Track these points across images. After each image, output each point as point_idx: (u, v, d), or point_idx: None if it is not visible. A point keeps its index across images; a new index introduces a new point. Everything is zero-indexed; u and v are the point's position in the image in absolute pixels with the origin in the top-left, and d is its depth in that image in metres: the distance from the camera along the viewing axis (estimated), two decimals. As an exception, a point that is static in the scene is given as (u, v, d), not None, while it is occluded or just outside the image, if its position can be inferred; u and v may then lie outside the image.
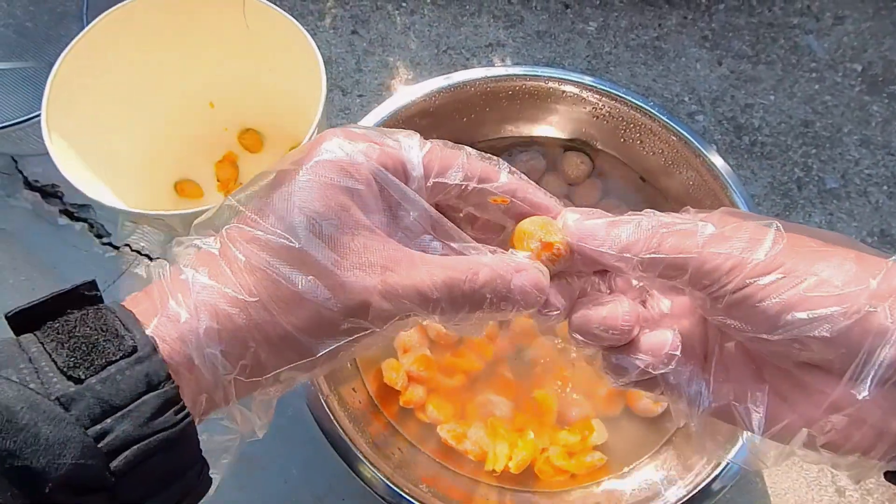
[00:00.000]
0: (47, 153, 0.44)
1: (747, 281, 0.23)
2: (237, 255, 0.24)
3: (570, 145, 0.57)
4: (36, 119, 0.50)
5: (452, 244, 0.26)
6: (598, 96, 0.51)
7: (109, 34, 0.48)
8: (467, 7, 0.72)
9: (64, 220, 0.62)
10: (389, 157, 0.25)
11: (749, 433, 0.25)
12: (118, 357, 0.21)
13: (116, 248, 0.61)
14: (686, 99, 0.69)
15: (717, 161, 0.49)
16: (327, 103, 0.68)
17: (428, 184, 0.26)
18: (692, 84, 0.69)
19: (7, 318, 0.22)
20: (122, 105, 0.52)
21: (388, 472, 0.42)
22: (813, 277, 0.23)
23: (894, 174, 0.66)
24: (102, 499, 0.21)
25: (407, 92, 0.50)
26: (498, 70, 0.51)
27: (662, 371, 0.25)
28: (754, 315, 0.23)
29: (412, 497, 0.42)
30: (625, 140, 0.54)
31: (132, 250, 0.60)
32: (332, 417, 0.43)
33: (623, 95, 0.50)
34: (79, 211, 0.62)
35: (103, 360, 0.21)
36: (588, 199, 0.55)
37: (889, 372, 0.22)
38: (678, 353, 0.25)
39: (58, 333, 0.22)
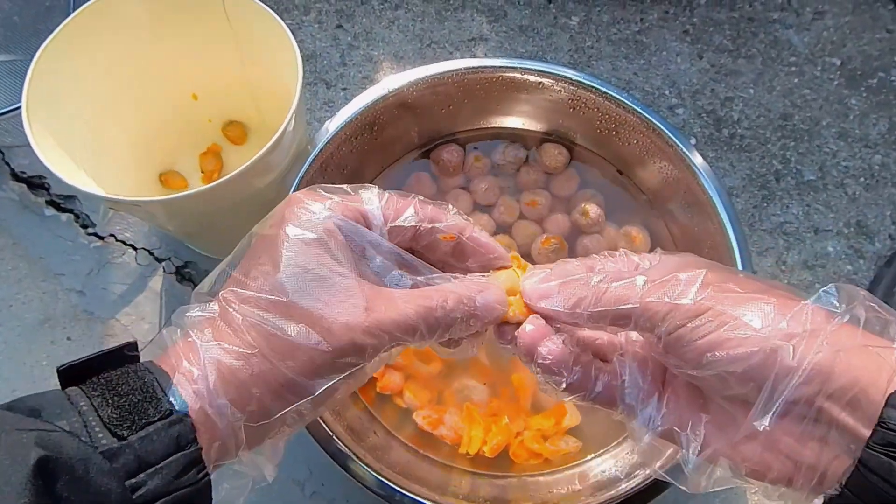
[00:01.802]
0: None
1: (678, 324, 0.26)
2: (235, 315, 0.27)
3: (548, 137, 0.57)
4: (19, 109, 0.51)
5: (419, 277, 0.30)
6: (573, 87, 0.51)
7: (91, 25, 0.49)
8: (451, 2, 0.73)
9: (50, 211, 0.63)
10: (351, 210, 0.29)
11: (688, 456, 0.28)
12: (156, 419, 0.25)
13: (102, 238, 0.61)
14: (667, 92, 0.70)
15: (691, 152, 0.50)
16: (311, 96, 0.68)
17: (387, 228, 0.30)
18: (673, 78, 0.70)
19: (58, 370, 0.26)
20: (104, 96, 0.53)
21: (364, 456, 0.43)
22: (734, 320, 0.25)
23: (871, 166, 0.66)
24: None
25: (385, 83, 0.51)
26: (475, 62, 0.52)
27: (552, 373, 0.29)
28: (684, 354, 0.26)
29: (390, 482, 0.42)
30: (601, 131, 0.54)
31: (117, 240, 0.61)
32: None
33: (598, 86, 0.51)
34: (65, 202, 0.63)
35: (143, 421, 0.25)
36: (566, 189, 0.56)
37: (792, 405, 0.24)
38: (550, 357, 0.29)
39: (103, 390, 0.25)
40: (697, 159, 0.50)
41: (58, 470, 0.22)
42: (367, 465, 0.42)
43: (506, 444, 0.48)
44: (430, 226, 0.30)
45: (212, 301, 0.28)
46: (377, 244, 0.29)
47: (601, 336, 0.32)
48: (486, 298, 0.29)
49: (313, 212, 0.28)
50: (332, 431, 0.43)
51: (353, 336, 0.26)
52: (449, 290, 0.29)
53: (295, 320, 0.26)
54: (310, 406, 0.28)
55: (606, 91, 0.51)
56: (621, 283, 0.28)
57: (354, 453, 0.43)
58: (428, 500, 0.42)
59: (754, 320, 0.25)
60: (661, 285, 0.27)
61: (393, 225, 0.30)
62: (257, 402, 0.26)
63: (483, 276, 0.31)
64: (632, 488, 0.41)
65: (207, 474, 0.25)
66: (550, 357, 0.29)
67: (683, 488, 0.29)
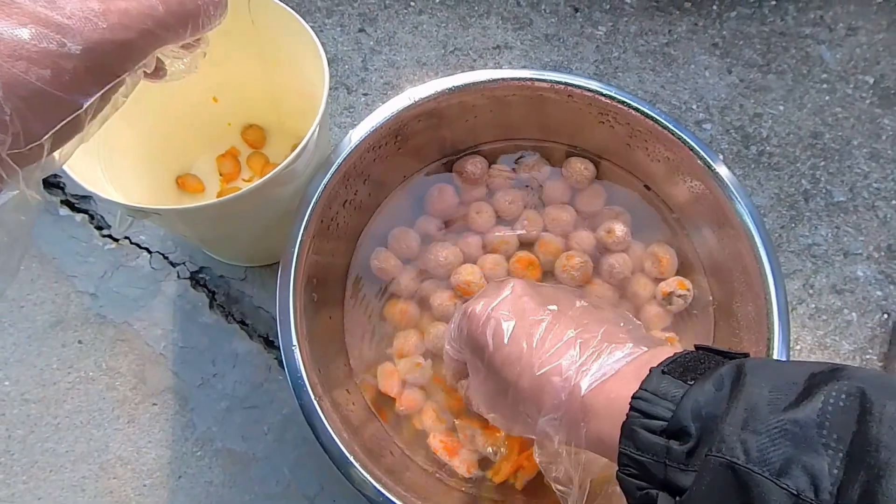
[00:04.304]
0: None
1: None
2: None
3: (574, 151, 0.56)
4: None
5: None
6: (603, 101, 0.50)
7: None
8: (476, 8, 0.72)
9: (65, 211, 0.62)
10: None
11: None
12: None
13: (116, 240, 0.60)
14: (694, 107, 0.68)
15: (722, 170, 0.48)
16: (331, 101, 0.67)
17: None
18: (700, 92, 0.69)
19: None
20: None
21: (380, 478, 0.42)
22: None
23: (903, 189, 0.65)
24: None
25: (411, 92, 0.50)
26: (502, 73, 0.50)
27: None
28: None
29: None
30: (630, 146, 0.53)
31: (132, 243, 0.60)
32: (325, 421, 0.42)
33: (628, 101, 0.49)
34: (80, 202, 0.62)
35: None
36: (591, 205, 0.55)
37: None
38: None
39: None
40: (729, 178, 0.48)
41: None
42: (382, 487, 0.41)
43: (536, 473, 0.46)
44: None
45: None
46: None
47: None
48: None
49: None
50: (347, 451, 0.42)
51: (98, 34, 0.25)
52: None
53: (24, 22, 0.24)
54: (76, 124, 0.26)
55: (636, 105, 0.49)
56: None
57: (369, 473, 0.41)
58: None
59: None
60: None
61: None
62: (17, 118, 0.24)
63: None
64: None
65: None
66: None
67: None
